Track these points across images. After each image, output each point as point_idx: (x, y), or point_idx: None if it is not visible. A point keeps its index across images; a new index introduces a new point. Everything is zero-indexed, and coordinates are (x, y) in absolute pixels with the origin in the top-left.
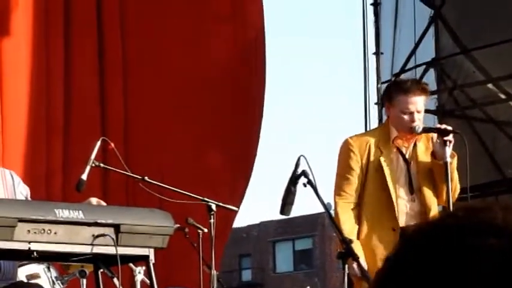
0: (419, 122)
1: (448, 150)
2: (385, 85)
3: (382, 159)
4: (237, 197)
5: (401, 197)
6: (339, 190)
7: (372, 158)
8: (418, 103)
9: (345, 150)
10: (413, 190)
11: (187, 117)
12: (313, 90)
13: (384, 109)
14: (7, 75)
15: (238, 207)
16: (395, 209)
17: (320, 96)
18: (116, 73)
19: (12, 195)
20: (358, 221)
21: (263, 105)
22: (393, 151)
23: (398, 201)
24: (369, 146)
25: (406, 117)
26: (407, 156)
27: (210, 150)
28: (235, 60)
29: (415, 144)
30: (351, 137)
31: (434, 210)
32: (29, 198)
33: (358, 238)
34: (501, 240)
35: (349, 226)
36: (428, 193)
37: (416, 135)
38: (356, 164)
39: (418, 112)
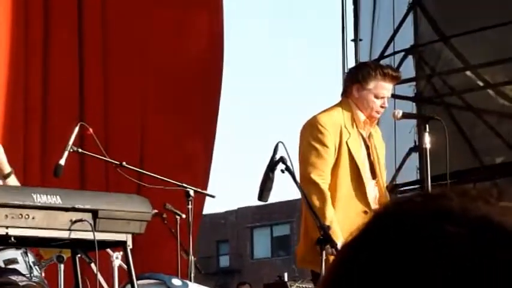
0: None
1: (428, 136)
2: None
3: (350, 141)
4: (205, 180)
5: (367, 180)
6: (315, 169)
7: (343, 139)
8: (391, 90)
9: (318, 128)
10: (375, 175)
11: (164, 101)
12: (291, 77)
13: (344, 89)
14: None
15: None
16: (366, 191)
17: (298, 82)
18: (96, 60)
19: None
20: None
21: (220, 90)
22: (357, 134)
23: (367, 181)
24: (340, 126)
25: (378, 101)
26: (366, 138)
27: (187, 136)
28: (206, 52)
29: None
30: (320, 115)
31: (387, 197)
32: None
33: None
34: (459, 229)
35: (331, 211)
36: (383, 180)
37: (375, 121)
38: (331, 142)
39: (388, 98)
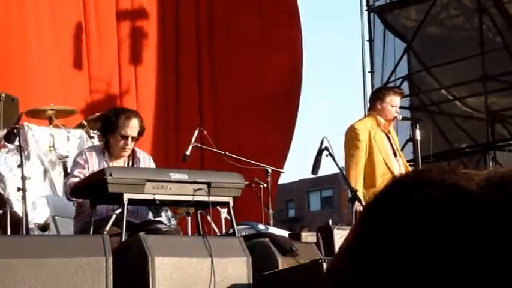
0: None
1: (418, 132)
2: None
3: (376, 137)
4: (283, 163)
5: (391, 159)
6: (353, 156)
7: (371, 136)
8: (399, 101)
9: (354, 131)
10: (396, 156)
11: (254, 111)
12: (327, 97)
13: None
14: (141, 88)
15: (282, 168)
16: (394, 169)
17: (331, 102)
18: (208, 85)
19: None
20: (370, 179)
21: (298, 108)
22: (382, 133)
23: (391, 161)
24: (369, 129)
25: (393, 109)
26: (388, 134)
27: (267, 135)
28: (286, 77)
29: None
30: (355, 123)
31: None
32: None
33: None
34: (437, 190)
35: (360, 181)
36: (403, 160)
37: (391, 123)
38: (363, 139)
39: (398, 107)
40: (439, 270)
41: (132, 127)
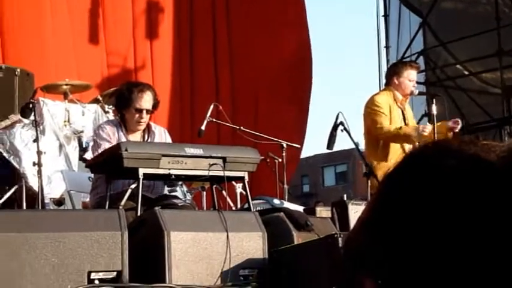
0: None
1: (434, 107)
2: None
3: (393, 111)
4: (301, 139)
5: None
6: (377, 123)
7: (390, 111)
8: (416, 76)
9: (375, 102)
10: None
11: (267, 89)
12: (342, 72)
13: (386, 80)
14: (156, 63)
15: (302, 145)
16: (404, 145)
17: (345, 78)
18: (224, 61)
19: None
20: (383, 153)
21: (311, 85)
22: (398, 109)
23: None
24: (388, 102)
25: (410, 83)
26: (403, 111)
27: (284, 111)
28: (293, 55)
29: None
30: (375, 95)
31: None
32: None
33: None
34: (457, 161)
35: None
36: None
37: (407, 98)
38: (384, 109)
39: (415, 81)
40: (461, 242)
41: (146, 100)
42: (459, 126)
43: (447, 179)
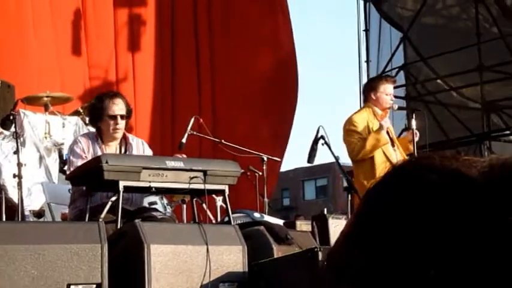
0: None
1: (414, 122)
2: None
3: (374, 128)
4: (281, 153)
5: (389, 149)
6: (352, 144)
7: (370, 127)
8: (392, 89)
9: (352, 123)
10: (393, 144)
11: (248, 103)
12: (323, 86)
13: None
14: (138, 75)
15: (282, 158)
16: (391, 157)
17: (325, 92)
18: (206, 74)
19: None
20: (370, 170)
21: (296, 99)
22: (377, 124)
23: (389, 151)
24: (367, 120)
25: (388, 97)
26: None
27: (264, 125)
28: (275, 69)
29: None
30: (353, 115)
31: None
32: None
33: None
34: (438, 176)
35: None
36: (400, 147)
37: (387, 113)
38: (363, 134)
39: (392, 95)
40: (441, 256)
41: (118, 106)
42: (417, 138)
43: (428, 194)
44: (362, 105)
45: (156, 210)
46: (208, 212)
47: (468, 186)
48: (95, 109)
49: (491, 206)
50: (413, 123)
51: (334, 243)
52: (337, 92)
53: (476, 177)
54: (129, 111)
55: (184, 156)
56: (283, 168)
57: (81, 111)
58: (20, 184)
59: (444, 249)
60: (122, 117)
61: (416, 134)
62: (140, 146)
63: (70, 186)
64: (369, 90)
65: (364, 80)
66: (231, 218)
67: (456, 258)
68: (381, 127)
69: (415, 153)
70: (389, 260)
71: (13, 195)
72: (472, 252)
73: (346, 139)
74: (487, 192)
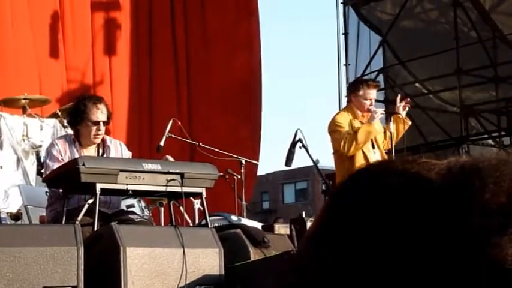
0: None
1: (393, 125)
2: None
3: (356, 127)
4: (257, 156)
5: (369, 150)
6: (346, 141)
7: (353, 126)
8: (375, 94)
9: (336, 123)
10: (374, 148)
11: (225, 106)
12: (305, 88)
13: (347, 98)
14: (115, 78)
15: (258, 161)
16: (369, 158)
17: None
18: (183, 77)
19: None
20: (349, 170)
21: (261, 103)
22: (359, 123)
23: (370, 153)
24: (350, 120)
25: (367, 102)
26: None
27: (240, 128)
28: (249, 72)
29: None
30: (336, 115)
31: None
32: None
33: None
34: (398, 179)
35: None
36: (380, 149)
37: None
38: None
39: (373, 100)
40: (400, 259)
41: (101, 111)
42: (408, 106)
43: (389, 197)
44: (343, 107)
45: (133, 213)
46: (186, 215)
47: (426, 188)
48: (77, 111)
49: (448, 207)
50: (392, 126)
51: (299, 243)
52: (316, 96)
53: (435, 180)
54: (109, 116)
55: (172, 158)
56: (263, 171)
57: (59, 113)
58: None
59: (402, 251)
60: (104, 123)
61: (408, 101)
62: (118, 148)
63: (47, 189)
64: (350, 92)
65: (343, 83)
66: (208, 221)
67: (414, 259)
68: (372, 118)
69: (391, 156)
70: (354, 260)
71: None
72: (429, 252)
73: (333, 137)
74: (443, 193)
